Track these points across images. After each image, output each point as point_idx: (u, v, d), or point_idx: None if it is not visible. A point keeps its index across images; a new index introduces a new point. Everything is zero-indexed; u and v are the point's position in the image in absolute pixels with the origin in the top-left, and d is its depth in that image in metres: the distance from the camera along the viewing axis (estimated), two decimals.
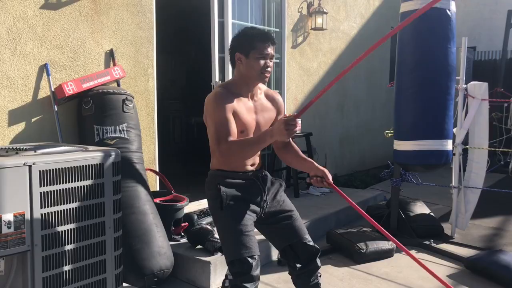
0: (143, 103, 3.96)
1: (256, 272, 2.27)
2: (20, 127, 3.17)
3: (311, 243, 2.54)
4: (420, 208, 4.50)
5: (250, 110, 2.40)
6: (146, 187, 3.40)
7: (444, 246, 4.11)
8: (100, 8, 3.58)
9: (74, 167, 2.43)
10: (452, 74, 3.69)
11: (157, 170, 4.11)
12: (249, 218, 2.35)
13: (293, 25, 5.77)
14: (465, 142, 4.35)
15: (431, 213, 4.51)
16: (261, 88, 2.50)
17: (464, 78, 4.25)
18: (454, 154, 4.30)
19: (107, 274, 2.61)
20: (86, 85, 3.34)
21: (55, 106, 3.29)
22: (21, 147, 2.60)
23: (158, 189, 4.13)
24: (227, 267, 2.31)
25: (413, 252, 4.04)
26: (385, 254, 3.86)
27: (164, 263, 3.17)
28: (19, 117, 3.16)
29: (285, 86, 5.72)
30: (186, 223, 3.68)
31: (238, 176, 2.39)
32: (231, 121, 2.27)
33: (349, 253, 3.85)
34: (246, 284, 2.23)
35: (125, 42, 3.79)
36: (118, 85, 3.71)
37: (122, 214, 3.16)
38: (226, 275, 2.32)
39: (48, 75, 3.27)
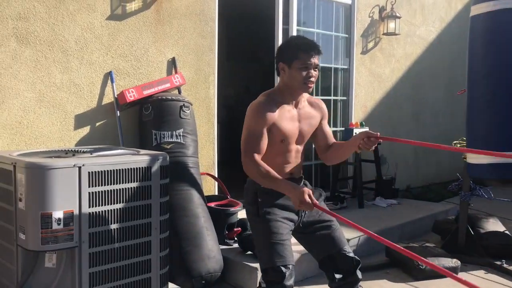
0: (203, 110, 4.07)
1: (289, 282, 2.24)
2: (85, 130, 3.40)
3: (351, 254, 2.46)
4: (493, 225, 4.17)
5: (294, 118, 2.38)
6: (200, 191, 3.48)
7: None
8: (163, 18, 3.74)
9: (122, 169, 2.55)
10: None
11: (216, 174, 4.19)
12: (285, 227, 2.33)
13: (363, 31, 5.63)
14: None
15: (506, 231, 4.15)
16: (304, 95, 2.48)
17: None
18: None
19: (152, 274, 2.71)
20: (146, 92, 3.51)
21: (118, 111, 3.48)
22: (80, 150, 2.79)
23: (216, 193, 4.22)
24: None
25: (481, 272, 3.75)
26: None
27: (213, 266, 3.22)
28: (84, 122, 3.39)
29: (353, 92, 5.58)
30: (239, 228, 3.71)
31: None
32: (263, 137, 2.28)
33: (407, 269, 3.66)
34: None
35: (187, 51, 3.92)
36: (180, 92, 3.85)
37: (175, 216, 3.28)
38: (259, 283, 2.31)
39: (112, 82, 3.48)
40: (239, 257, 3.43)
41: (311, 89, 2.35)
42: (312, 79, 2.31)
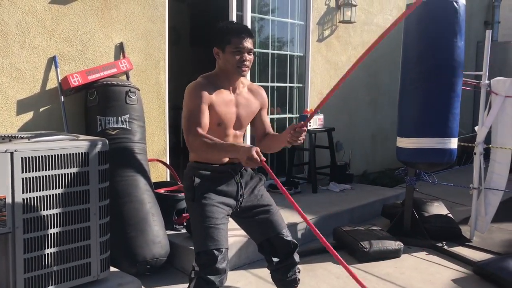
0: (153, 96, 4.05)
1: (222, 265, 2.27)
2: (28, 116, 3.35)
3: (289, 238, 2.52)
4: (437, 209, 4.31)
5: (231, 103, 2.41)
6: (146, 177, 3.48)
7: (458, 249, 3.91)
8: (110, 3, 3.69)
9: (58, 155, 2.53)
10: (458, 69, 3.52)
11: (168, 161, 4.20)
12: (221, 211, 2.36)
13: (319, 18, 5.67)
14: (488, 141, 4.12)
15: (449, 214, 4.30)
16: (244, 82, 2.51)
17: (487, 74, 4.01)
18: (475, 154, 4.09)
19: (91, 259, 2.71)
20: (91, 77, 3.47)
21: (62, 97, 3.44)
22: (18, 135, 2.74)
23: (168, 179, 4.23)
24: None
25: (423, 253, 3.89)
26: (391, 254, 3.75)
27: (158, 251, 3.24)
28: (28, 107, 3.34)
29: (309, 80, 5.64)
30: (188, 214, 3.73)
31: (215, 169, 2.40)
32: (204, 112, 2.29)
33: (352, 251, 3.77)
34: (210, 277, 2.25)
35: (136, 36, 3.89)
36: (128, 77, 3.82)
37: (120, 203, 3.28)
38: (193, 266, 2.34)
39: (56, 67, 3.43)
40: (186, 241, 3.47)
41: (246, 73, 2.39)
42: (247, 62, 2.34)
